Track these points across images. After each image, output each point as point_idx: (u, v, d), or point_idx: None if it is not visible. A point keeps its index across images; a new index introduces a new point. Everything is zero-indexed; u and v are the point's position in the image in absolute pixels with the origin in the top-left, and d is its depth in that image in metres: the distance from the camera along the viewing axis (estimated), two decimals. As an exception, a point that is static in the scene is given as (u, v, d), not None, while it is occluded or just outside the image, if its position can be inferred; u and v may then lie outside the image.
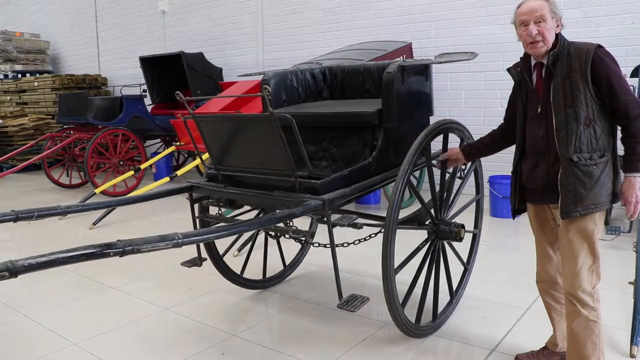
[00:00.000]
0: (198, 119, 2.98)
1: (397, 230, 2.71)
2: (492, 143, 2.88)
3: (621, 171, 2.35)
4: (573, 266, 2.36)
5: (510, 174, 2.71)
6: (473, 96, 6.78)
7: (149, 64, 8.52)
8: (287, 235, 2.88)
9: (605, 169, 2.29)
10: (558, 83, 2.30)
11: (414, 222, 3.10)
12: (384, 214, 2.82)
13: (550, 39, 2.32)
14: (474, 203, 3.57)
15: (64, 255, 1.61)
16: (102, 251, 1.71)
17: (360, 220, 2.93)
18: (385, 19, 7.55)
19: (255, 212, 3.64)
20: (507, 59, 6.16)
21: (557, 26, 2.33)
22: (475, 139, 3.35)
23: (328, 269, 4.11)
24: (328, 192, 2.71)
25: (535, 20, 2.31)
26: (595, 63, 2.22)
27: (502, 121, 2.81)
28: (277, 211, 2.62)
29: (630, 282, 3.07)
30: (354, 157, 3.22)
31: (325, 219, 2.72)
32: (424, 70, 3.37)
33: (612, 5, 5.85)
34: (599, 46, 2.26)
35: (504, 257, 4.54)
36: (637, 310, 2.94)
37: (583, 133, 2.25)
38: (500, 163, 5.79)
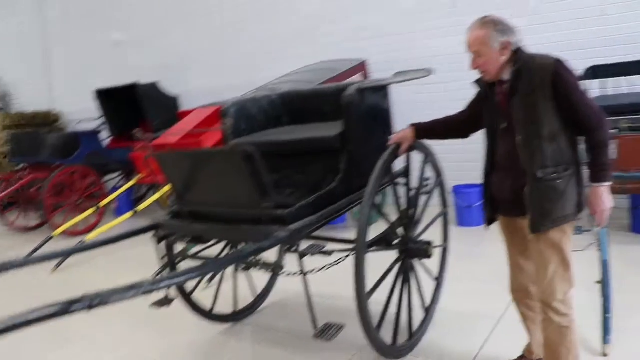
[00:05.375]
0: (159, 156, 2.93)
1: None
2: (446, 129, 2.89)
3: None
4: (545, 276, 2.40)
5: (475, 183, 2.74)
6: (434, 109, 6.77)
7: (105, 96, 8.37)
8: (257, 267, 2.85)
9: (570, 182, 2.33)
10: (521, 99, 2.33)
11: (382, 243, 3.10)
12: (351, 235, 2.81)
13: (493, 68, 2.37)
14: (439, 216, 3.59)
15: (24, 319, 1.54)
16: (66, 309, 1.65)
17: (329, 246, 2.92)
18: (340, 37, 7.61)
19: (223, 244, 3.59)
20: (463, 70, 6.25)
21: (505, 49, 2.35)
22: (437, 156, 3.39)
23: (300, 295, 4.06)
24: (295, 222, 2.68)
25: (474, 54, 2.37)
26: (555, 79, 2.26)
27: (459, 113, 2.83)
28: (245, 246, 2.58)
29: (597, 282, 3.13)
30: (318, 183, 3.21)
31: (294, 249, 2.70)
32: (382, 89, 3.40)
33: (556, 12, 6.04)
34: (558, 61, 2.29)
35: (472, 266, 4.58)
36: (606, 309, 3.01)
37: (547, 148, 2.29)
38: (462, 172, 5.90)
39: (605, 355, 2.86)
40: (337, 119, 3.66)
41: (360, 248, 2.62)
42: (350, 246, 2.86)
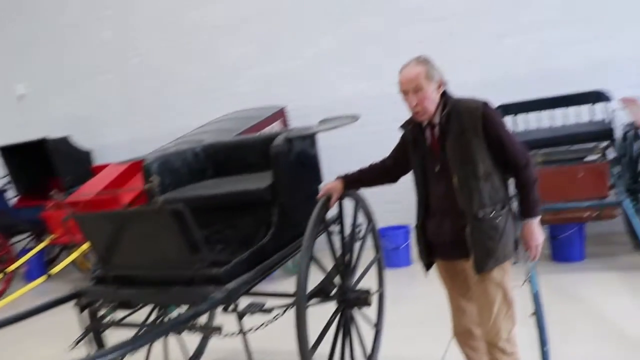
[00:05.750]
0: (79, 218, 2.73)
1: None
2: (373, 177, 2.88)
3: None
4: (490, 316, 2.42)
5: (400, 224, 2.74)
6: (353, 152, 6.82)
7: (9, 153, 7.87)
8: (192, 331, 2.68)
9: (508, 219, 2.39)
10: (453, 142, 2.38)
11: (320, 294, 3.02)
12: (280, 286, 2.73)
13: (430, 105, 2.40)
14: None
15: None
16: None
17: (267, 301, 2.80)
18: (257, 85, 7.61)
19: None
20: (378, 112, 6.41)
21: (439, 87, 2.41)
22: (365, 198, 3.37)
23: (237, 353, 3.88)
24: (231, 280, 2.57)
25: (413, 90, 2.39)
26: (485, 120, 2.33)
27: (380, 161, 2.85)
28: (182, 312, 2.41)
29: (531, 314, 3.19)
30: (250, 237, 3.11)
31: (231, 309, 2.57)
32: (310, 137, 3.38)
33: (467, 51, 6.33)
34: (485, 104, 2.38)
35: (406, 309, 4.55)
36: (543, 342, 3.09)
37: (483, 188, 2.33)
38: (386, 214, 5.94)
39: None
40: (263, 169, 3.61)
41: (301, 302, 2.53)
42: (289, 300, 2.76)
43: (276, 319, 3.09)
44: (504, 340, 2.44)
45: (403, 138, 2.69)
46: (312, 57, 7.31)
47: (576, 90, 5.49)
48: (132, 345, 1.98)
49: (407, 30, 6.72)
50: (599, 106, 5.40)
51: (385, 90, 6.68)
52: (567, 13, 5.99)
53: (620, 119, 5.19)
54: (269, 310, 2.68)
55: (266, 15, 7.46)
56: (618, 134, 5.12)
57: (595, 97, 5.32)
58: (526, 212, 2.45)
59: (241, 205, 3.14)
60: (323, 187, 2.95)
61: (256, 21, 7.54)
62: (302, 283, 2.57)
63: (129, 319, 3.06)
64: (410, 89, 2.39)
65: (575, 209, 4.51)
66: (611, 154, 5.01)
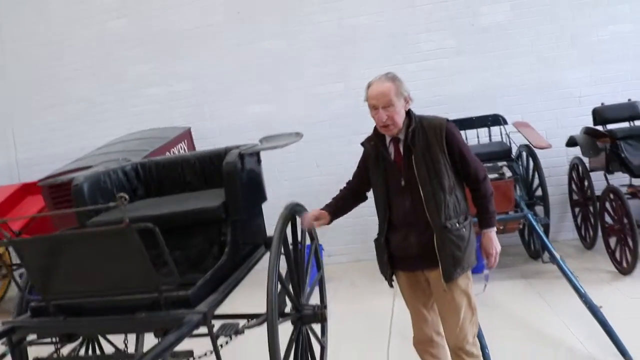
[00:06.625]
0: (18, 243, 2.45)
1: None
2: (348, 203, 2.88)
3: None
4: (457, 322, 2.52)
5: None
6: (275, 171, 6.70)
7: None
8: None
9: (470, 230, 2.52)
10: (419, 157, 2.46)
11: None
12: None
13: (400, 120, 2.48)
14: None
15: None
16: None
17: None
18: (155, 105, 7.32)
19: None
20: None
21: (407, 103, 2.50)
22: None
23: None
24: (199, 302, 2.44)
25: (383, 106, 2.45)
26: (448, 136, 2.45)
27: (347, 185, 2.88)
28: (164, 339, 2.21)
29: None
30: (200, 257, 2.98)
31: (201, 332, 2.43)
32: (256, 155, 3.33)
33: (370, 74, 6.59)
34: (448, 120, 2.51)
35: (346, 325, 4.51)
36: (483, 345, 3.28)
37: (449, 200, 2.44)
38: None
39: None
40: (201, 188, 3.50)
41: (273, 320, 2.46)
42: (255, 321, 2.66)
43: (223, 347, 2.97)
44: (471, 344, 2.56)
45: (364, 154, 2.74)
46: (214, 78, 7.19)
47: (470, 114, 5.95)
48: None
49: (310, 53, 6.88)
50: (495, 129, 5.89)
51: (290, 113, 6.80)
52: (462, 43, 6.51)
53: (516, 140, 5.71)
54: (242, 331, 2.57)
55: (169, 34, 7.24)
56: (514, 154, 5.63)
57: (493, 120, 5.80)
58: (485, 223, 2.60)
59: (190, 225, 3.00)
60: (307, 214, 2.87)
61: (155, 41, 7.29)
62: (272, 301, 2.50)
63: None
64: (380, 105, 2.45)
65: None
66: (507, 172, 5.47)
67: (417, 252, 2.53)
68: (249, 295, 3.16)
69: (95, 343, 3.29)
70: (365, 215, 4.92)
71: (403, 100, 2.49)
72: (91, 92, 7.49)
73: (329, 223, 2.86)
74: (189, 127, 6.80)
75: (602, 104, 5.71)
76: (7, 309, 6.70)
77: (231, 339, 2.55)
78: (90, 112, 7.50)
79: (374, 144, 2.62)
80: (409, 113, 2.54)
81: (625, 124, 5.48)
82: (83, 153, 6.22)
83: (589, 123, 5.62)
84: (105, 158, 5.18)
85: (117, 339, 3.48)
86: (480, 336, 3.26)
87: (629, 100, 5.70)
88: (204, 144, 6.20)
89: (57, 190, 4.88)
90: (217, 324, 2.56)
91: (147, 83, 7.34)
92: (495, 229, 2.62)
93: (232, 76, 7.11)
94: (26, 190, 6.19)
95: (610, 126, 5.48)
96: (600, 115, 5.56)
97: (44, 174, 5.64)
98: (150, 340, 2.45)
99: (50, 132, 7.55)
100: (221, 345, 3.00)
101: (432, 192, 2.45)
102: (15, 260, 6.57)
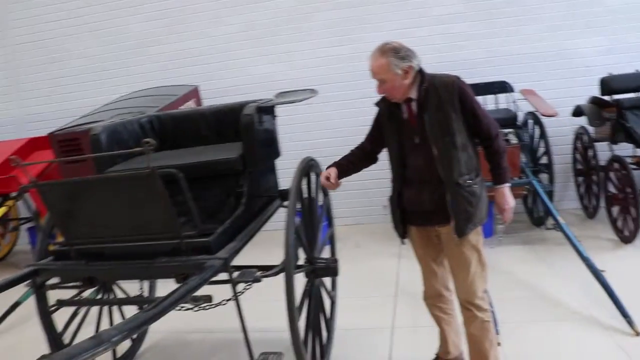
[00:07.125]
0: (43, 186, 2.49)
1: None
2: (357, 163, 2.87)
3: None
4: (467, 276, 2.58)
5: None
6: (293, 130, 6.65)
7: None
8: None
9: (482, 186, 2.57)
10: (432, 115, 2.48)
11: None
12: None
13: (399, 92, 2.50)
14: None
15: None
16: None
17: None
18: (162, 64, 7.28)
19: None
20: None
21: (406, 73, 2.46)
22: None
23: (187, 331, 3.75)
24: (219, 249, 2.50)
25: (379, 81, 2.50)
26: (461, 93, 2.48)
27: (359, 145, 2.88)
28: (187, 282, 2.26)
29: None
30: (217, 208, 3.03)
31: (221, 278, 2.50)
32: (271, 110, 3.36)
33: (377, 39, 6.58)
34: (459, 78, 2.52)
35: (353, 283, 4.51)
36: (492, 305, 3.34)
37: (461, 157, 2.48)
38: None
39: (499, 344, 3.15)
40: (217, 142, 3.53)
41: (290, 269, 2.52)
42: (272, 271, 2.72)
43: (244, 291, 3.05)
44: (479, 298, 2.63)
45: (378, 114, 2.77)
46: (221, 37, 7.14)
47: (478, 80, 5.94)
48: (145, 320, 1.84)
49: (319, 15, 6.83)
50: (502, 96, 5.90)
51: (297, 74, 6.78)
52: (472, 9, 6.47)
53: (521, 108, 5.73)
54: (260, 280, 2.63)
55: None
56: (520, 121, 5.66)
57: (500, 87, 5.80)
58: (498, 178, 2.65)
59: (206, 177, 3.03)
60: (323, 173, 2.87)
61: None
62: (290, 252, 2.55)
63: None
64: (376, 79, 2.51)
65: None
66: (513, 139, 5.51)
67: (430, 208, 2.58)
68: (261, 252, 3.23)
69: (110, 294, 3.37)
70: (368, 179, 4.94)
71: (400, 72, 2.45)
72: (96, 49, 7.44)
73: (336, 187, 2.86)
74: (196, 85, 6.78)
75: (610, 74, 5.72)
76: (15, 262, 6.79)
77: (250, 286, 2.61)
78: (93, 69, 7.46)
79: (388, 103, 2.65)
80: (420, 71, 2.55)
81: (632, 95, 5.50)
82: (90, 110, 6.22)
83: (597, 93, 5.63)
84: (114, 113, 5.19)
85: (132, 289, 3.57)
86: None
87: (637, 70, 5.70)
88: (211, 104, 6.20)
89: (69, 143, 4.90)
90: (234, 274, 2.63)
91: (153, 41, 7.29)
92: (509, 184, 2.67)
93: (239, 36, 7.06)
94: (33, 145, 6.20)
95: (617, 96, 5.49)
96: (608, 85, 5.56)
97: (50, 130, 5.65)
98: (162, 292, 2.51)
99: (53, 87, 7.52)
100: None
101: (445, 149, 2.48)
102: (24, 214, 6.63)
